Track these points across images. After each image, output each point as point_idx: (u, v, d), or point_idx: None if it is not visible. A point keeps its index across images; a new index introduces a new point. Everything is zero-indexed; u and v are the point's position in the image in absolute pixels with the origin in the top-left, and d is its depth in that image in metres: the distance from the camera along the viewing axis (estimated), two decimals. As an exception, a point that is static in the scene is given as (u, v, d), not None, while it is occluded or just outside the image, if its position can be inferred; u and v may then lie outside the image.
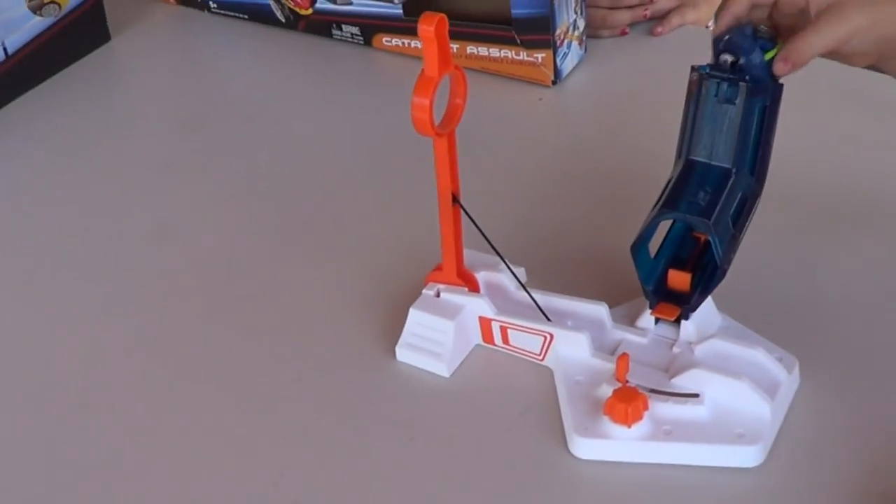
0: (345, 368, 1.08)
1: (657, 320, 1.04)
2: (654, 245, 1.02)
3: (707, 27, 1.60)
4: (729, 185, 1.00)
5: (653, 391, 0.98)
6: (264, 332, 1.13)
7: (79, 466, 1.02)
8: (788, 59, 0.98)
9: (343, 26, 1.54)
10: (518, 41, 1.41)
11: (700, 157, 1.01)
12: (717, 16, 1.01)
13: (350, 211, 1.27)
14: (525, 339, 1.05)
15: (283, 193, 1.31)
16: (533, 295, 1.05)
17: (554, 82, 1.42)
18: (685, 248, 1.04)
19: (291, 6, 1.57)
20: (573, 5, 1.40)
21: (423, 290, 1.08)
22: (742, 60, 0.99)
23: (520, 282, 1.07)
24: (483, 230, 1.05)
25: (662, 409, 0.98)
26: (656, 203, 1.00)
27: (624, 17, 1.51)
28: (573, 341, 1.03)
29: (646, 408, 0.97)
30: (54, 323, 1.17)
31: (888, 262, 1.14)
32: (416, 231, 1.16)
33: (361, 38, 1.54)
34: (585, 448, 0.97)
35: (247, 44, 1.61)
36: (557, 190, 1.27)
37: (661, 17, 1.53)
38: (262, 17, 1.61)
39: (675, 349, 1.02)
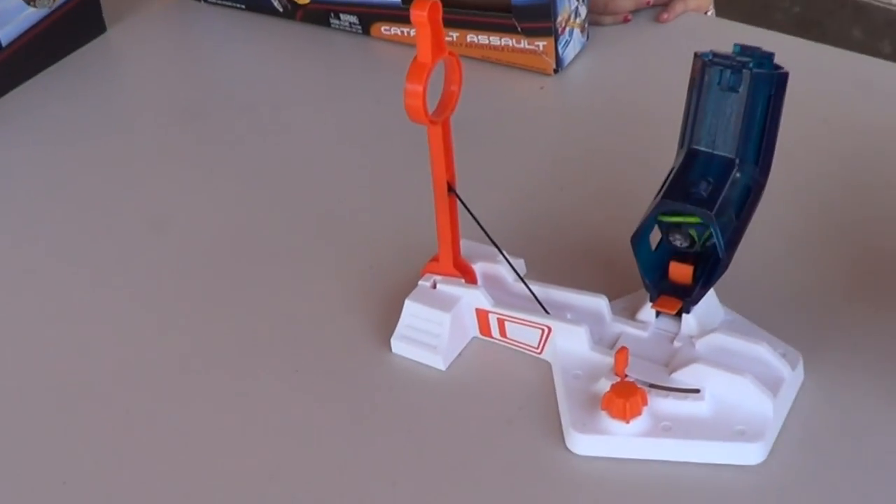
0: (340, 361, 1.06)
1: (658, 314, 1.02)
2: (655, 237, 1.00)
3: (707, 13, 1.59)
4: (732, 176, 0.97)
5: (652, 386, 0.96)
6: (260, 323, 1.12)
7: (72, 458, 1.00)
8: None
9: (341, 15, 1.52)
10: (519, 29, 1.39)
11: (703, 146, 0.99)
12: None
13: (347, 200, 1.25)
14: (523, 332, 1.03)
15: (280, 183, 1.30)
16: (531, 287, 1.03)
17: (556, 70, 1.40)
18: (687, 239, 1.02)
19: (288, -5, 1.56)
20: (575, -8, 1.38)
21: (419, 282, 1.06)
22: None
23: (518, 274, 1.05)
24: (481, 220, 1.03)
25: (662, 404, 0.96)
26: (657, 193, 0.98)
27: (626, 3, 1.50)
28: (572, 334, 1.01)
29: (645, 403, 0.94)
30: (49, 314, 1.15)
31: (894, 255, 1.12)
32: (414, 221, 1.14)
33: (360, 27, 1.52)
34: (583, 444, 0.95)
35: (244, 34, 1.59)
36: (558, 180, 1.25)
37: (664, 4, 1.51)
38: (259, 6, 1.59)
39: (676, 343, 1.00)
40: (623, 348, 0.97)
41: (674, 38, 1.46)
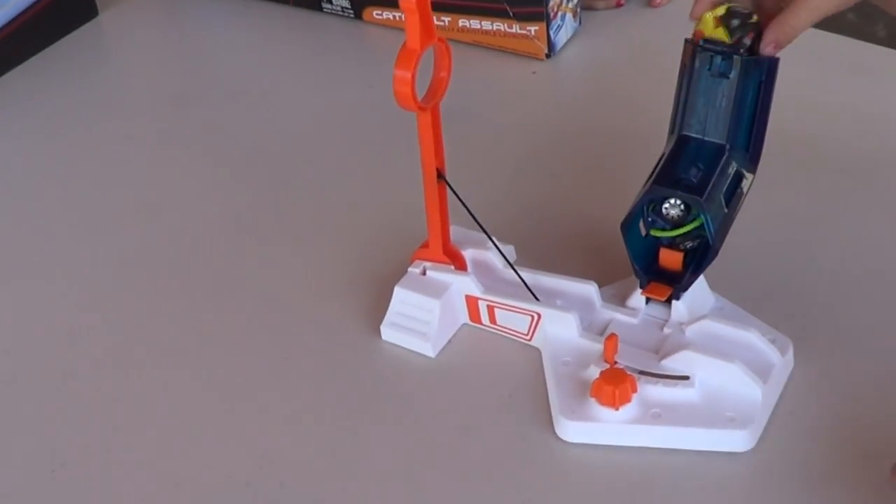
0: (329, 348, 1.06)
1: (648, 300, 1.01)
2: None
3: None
4: (722, 162, 0.97)
5: (642, 373, 0.96)
6: (250, 310, 1.11)
7: (61, 445, 1.00)
8: (775, 40, 0.96)
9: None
10: (511, 14, 1.38)
11: (693, 132, 0.99)
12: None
13: (338, 186, 1.25)
14: (513, 319, 1.03)
15: (271, 169, 1.29)
16: (521, 273, 1.03)
17: (548, 55, 1.40)
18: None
19: (281, -20, 1.55)
20: (567, -23, 1.38)
21: (409, 268, 1.06)
22: None
23: (507, 260, 1.05)
24: (471, 206, 1.03)
25: (651, 391, 0.95)
26: (647, 180, 0.98)
27: None
28: (561, 321, 1.00)
29: (634, 390, 0.94)
30: (39, 299, 1.15)
31: (887, 242, 1.12)
32: (404, 207, 1.13)
33: (351, 11, 1.51)
34: (572, 431, 0.95)
35: (235, 18, 1.58)
36: (550, 165, 1.25)
37: (657, -11, 1.50)
38: (252, -10, 1.59)
39: (666, 330, 1.00)
40: (612, 335, 0.96)
41: (666, 22, 1.45)
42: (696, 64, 0.98)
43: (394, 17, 1.48)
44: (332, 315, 1.08)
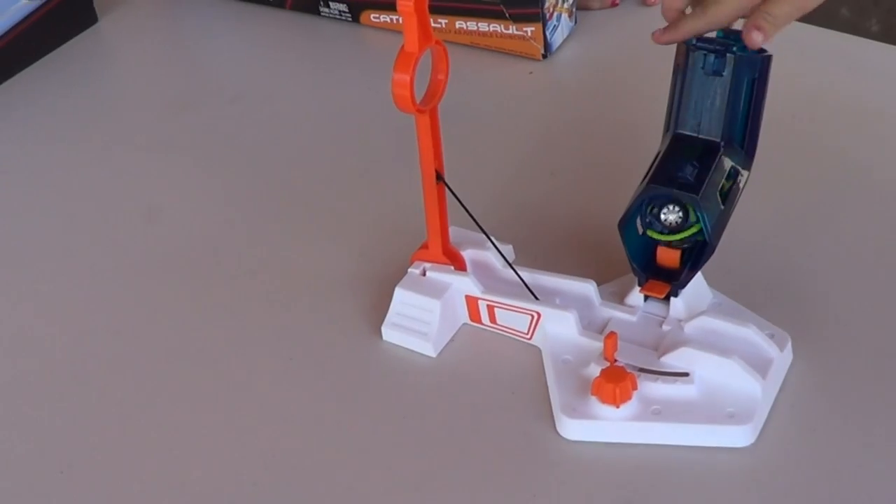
0: (332, 348, 1.06)
1: (646, 298, 1.02)
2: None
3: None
4: (717, 159, 0.98)
5: (641, 370, 0.97)
6: (252, 311, 1.12)
7: (67, 447, 1.01)
8: (756, 26, 0.95)
9: (330, 3, 1.53)
10: (507, 15, 1.39)
11: (687, 130, 1.00)
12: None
13: (338, 188, 1.26)
14: (512, 318, 1.03)
15: (270, 172, 1.30)
16: (520, 273, 1.04)
17: (544, 56, 1.41)
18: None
19: (278, -17, 1.56)
20: (562, -23, 1.38)
21: (409, 269, 1.06)
22: None
23: (506, 260, 1.05)
24: (470, 206, 1.03)
25: (651, 388, 0.96)
26: (643, 179, 0.98)
27: None
28: (561, 320, 1.01)
29: (634, 387, 0.95)
30: (40, 305, 1.16)
31: (883, 237, 1.13)
32: (404, 208, 1.14)
33: (349, 15, 1.52)
34: (573, 429, 0.96)
35: (234, 23, 1.59)
36: (548, 165, 1.25)
37: (653, -12, 1.51)
38: (249, -5, 1.60)
39: (665, 327, 1.01)
40: (612, 333, 0.97)
41: (661, 21, 1.44)
42: (690, 62, 0.98)
43: (391, 20, 1.48)
44: (334, 316, 1.09)
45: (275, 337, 1.09)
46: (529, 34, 1.39)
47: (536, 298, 1.03)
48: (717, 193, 0.98)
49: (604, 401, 0.95)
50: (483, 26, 1.42)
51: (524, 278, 1.04)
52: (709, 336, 0.98)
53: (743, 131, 0.99)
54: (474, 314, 1.05)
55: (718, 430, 0.94)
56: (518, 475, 0.95)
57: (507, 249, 1.09)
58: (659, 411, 0.95)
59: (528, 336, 1.03)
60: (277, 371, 1.05)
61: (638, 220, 0.99)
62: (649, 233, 0.99)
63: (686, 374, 0.96)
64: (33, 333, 1.13)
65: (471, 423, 0.99)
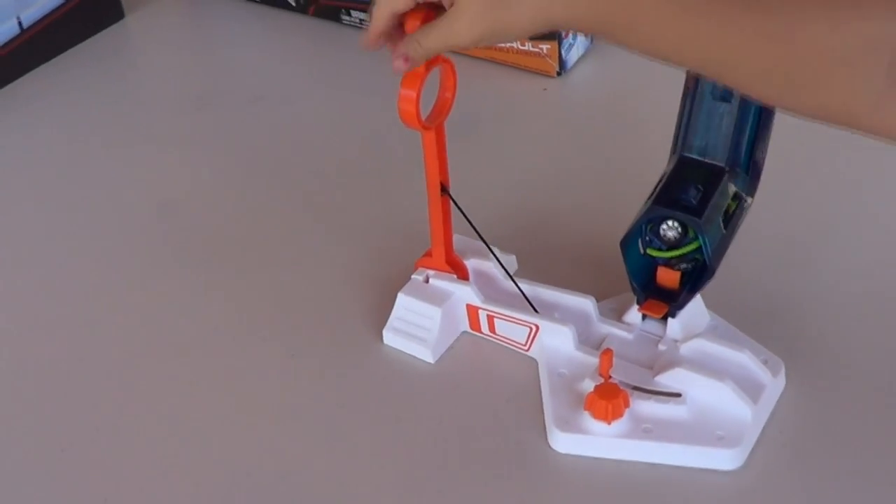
0: (333, 349, 1.08)
1: (644, 316, 1.03)
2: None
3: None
4: (721, 184, 0.99)
5: (635, 388, 0.98)
6: (259, 307, 1.14)
7: (70, 430, 1.03)
8: (404, 55, 0.93)
9: (352, 12, 1.55)
10: (525, 32, 1.40)
11: (694, 153, 1.01)
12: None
13: (348, 192, 1.28)
14: (511, 329, 1.05)
15: (284, 173, 1.32)
16: (521, 285, 1.05)
17: (559, 73, 1.42)
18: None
19: (302, -10, 1.58)
20: (582, -3, 1.39)
21: (412, 276, 1.08)
22: None
23: (507, 272, 1.07)
24: (477, 218, 1.05)
25: (644, 406, 0.97)
26: (647, 199, 1.00)
27: None
28: (558, 334, 1.02)
29: (627, 405, 0.96)
30: (55, 293, 1.18)
31: (879, 265, 1.14)
32: (412, 215, 1.16)
33: (369, 24, 1.53)
34: (564, 442, 0.97)
35: (257, 26, 1.62)
36: (556, 180, 1.27)
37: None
38: (274, 0, 1.61)
39: (661, 346, 1.02)
40: (608, 350, 0.98)
41: None
42: (699, 87, 0.99)
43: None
44: (337, 316, 1.11)
45: (279, 334, 1.11)
46: (545, 51, 1.41)
47: (536, 311, 1.04)
48: (720, 218, 0.99)
49: (596, 416, 0.96)
50: (501, 41, 1.43)
51: (525, 291, 1.05)
52: (703, 358, 0.99)
53: (748, 157, 1.00)
54: (474, 323, 1.07)
55: (707, 451, 0.95)
56: (507, 482, 0.96)
57: (511, 260, 1.10)
58: (650, 430, 0.96)
59: (526, 348, 1.05)
60: (279, 367, 1.07)
61: (640, 241, 1.00)
62: (649, 251, 1.00)
63: (678, 395, 0.97)
64: (46, 317, 1.15)
65: (465, 429, 1.00)
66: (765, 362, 1.00)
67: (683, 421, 0.97)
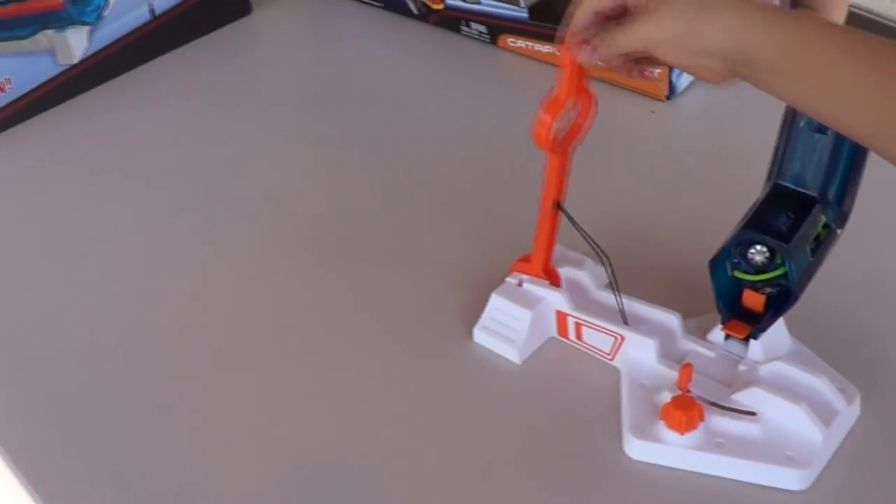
0: (425, 343, 1.13)
1: (727, 336, 1.06)
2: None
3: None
4: (812, 214, 1.01)
5: (712, 404, 1.01)
6: (358, 296, 1.19)
7: (165, 399, 1.10)
8: (595, 47, 0.95)
9: (471, 23, 1.59)
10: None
11: (788, 182, 1.03)
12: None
13: (453, 195, 1.32)
14: (597, 338, 1.08)
15: (391, 172, 1.37)
16: (618, 297, 1.09)
17: (668, 97, 1.45)
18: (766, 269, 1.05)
19: (424, 0, 1.62)
20: (696, 25, 1.42)
21: (507, 279, 1.12)
22: None
23: (613, 281, 1.09)
24: (572, 231, 1.08)
25: (718, 422, 1.00)
26: (739, 223, 1.03)
27: None
28: (642, 346, 1.06)
29: (701, 418, 0.99)
30: (166, 265, 1.25)
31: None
32: (510, 220, 1.21)
33: (488, 37, 1.58)
34: (638, 449, 1.00)
35: (379, 31, 1.67)
36: (654, 201, 1.31)
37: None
38: (397, 7, 1.67)
39: (741, 366, 1.05)
40: (688, 364, 1.02)
41: None
42: (797, 118, 1.02)
43: (526, 46, 1.54)
44: (433, 310, 1.16)
45: (376, 323, 1.16)
46: (656, 75, 1.44)
47: (626, 323, 1.08)
48: (808, 246, 1.01)
49: (671, 426, 0.99)
50: (614, 62, 1.47)
51: (614, 300, 1.09)
52: (781, 380, 1.02)
53: (841, 190, 1.03)
54: (562, 329, 1.10)
55: (776, 470, 0.98)
56: (581, 484, 1.00)
57: (601, 273, 1.13)
58: (722, 444, 0.99)
59: (611, 357, 1.08)
60: (374, 355, 1.12)
61: (728, 263, 1.03)
62: (736, 273, 1.03)
63: (753, 414, 1.00)
64: (163, 292, 1.22)
65: (544, 429, 1.04)
66: (841, 390, 1.02)
67: (755, 439, 0.99)
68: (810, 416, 0.99)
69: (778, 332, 1.05)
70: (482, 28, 1.58)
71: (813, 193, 1.02)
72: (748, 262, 1.02)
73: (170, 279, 1.23)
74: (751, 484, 0.98)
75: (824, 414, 1.00)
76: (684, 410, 0.99)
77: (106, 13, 1.52)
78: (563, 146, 1.03)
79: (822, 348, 1.07)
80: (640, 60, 0.96)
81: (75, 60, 1.51)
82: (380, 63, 1.61)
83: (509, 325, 1.09)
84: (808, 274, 1.02)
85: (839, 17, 1.62)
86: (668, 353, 1.06)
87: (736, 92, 1.36)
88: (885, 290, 1.18)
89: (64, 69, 1.51)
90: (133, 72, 1.57)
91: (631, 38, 0.91)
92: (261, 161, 1.41)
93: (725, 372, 1.05)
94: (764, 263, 1.02)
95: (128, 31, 1.56)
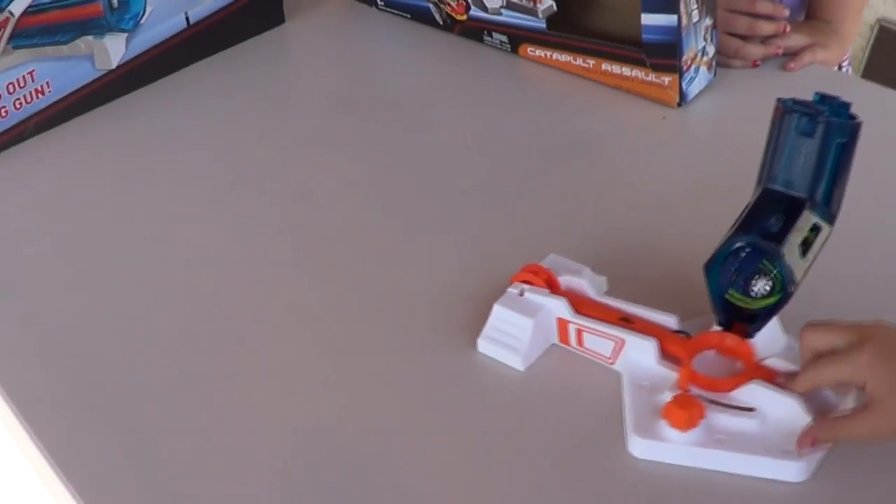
0: (431, 353, 1.16)
1: (724, 336, 1.09)
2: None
3: (841, 67, 1.65)
4: (802, 215, 1.05)
5: (711, 402, 1.04)
6: (366, 301, 1.24)
7: (181, 378, 1.16)
8: (815, 438, 1.01)
9: (493, 33, 1.64)
10: (647, 63, 1.48)
11: (777, 185, 1.07)
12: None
13: (466, 204, 1.37)
14: (598, 343, 1.11)
15: (408, 177, 1.43)
16: (609, 302, 1.13)
17: (679, 104, 1.48)
18: (759, 270, 1.09)
19: (449, 11, 1.67)
20: (702, 33, 1.46)
21: (508, 289, 1.15)
22: None
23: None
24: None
25: (718, 418, 1.03)
26: (732, 226, 1.06)
27: (756, 51, 1.57)
28: (642, 348, 1.09)
29: (702, 416, 1.02)
30: (192, 260, 1.31)
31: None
32: (517, 231, 1.25)
33: (509, 46, 1.63)
34: (642, 447, 1.04)
35: (406, 40, 1.73)
36: (662, 206, 1.34)
37: (792, 54, 1.58)
38: (423, 17, 1.72)
39: (738, 364, 1.07)
40: (687, 364, 1.05)
41: (797, 86, 1.48)
42: (784, 123, 1.06)
43: (545, 55, 1.58)
44: (438, 321, 1.19)
45: (382, 327, 1.20)
46: (666, 83, 1.47)
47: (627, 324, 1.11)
48: (799, 246, 1.04)
49: (673, 424, 1.02)
50: (626, 71, 1.51)
51: (612, 305, 1.13)
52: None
53: (828, 190, 1.06)
54: (563, 336, 1.14)
55: (775, 463, 1.01)
56: (585, 483, 1.03)
57: (601, 281, 1.17)
58: (722, 440, 1.02)
59: (612, 361, 1.11)
60: (379, 359, 1.17)
61: (722, 266, 1.07)
62: (730, 291, 1.06)
63: (752, 410, 1.03)
64: (183, 283, 1.28)
65: (548, 432, 1.07)
66: (836, 384, 1.05)
67: (754, 434, 1.03)
68: (806, 410, 1.02)
69: (772, 330, 1.08)
70: (503, 38, 1.63)
71: (802, 195, 1.05)
72: (747, 285, 1.05)
73: (194, 271, 1.29)
74: (752, 477, 1.01)
75: (820, 408, 1.03)
76: (685, 408, 1.02)
77: (143, 21, 1.58)
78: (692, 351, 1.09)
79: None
80: None
81: (113, 66, 1.58)
82: (406, 70, 1.68)
83: (512, 333, 1.13)
84: (800, 273, 1.05)
85: (852, 31, 1.66)
86: (667, 355, 1.10)
87: (745, 99, 1.40)
88: (875, 286, 1.20)
89: (101, 74, 1.57)
90: (168, 77, 1.64)
91: (859, 436, 0.99)
92: (287, 163, 1.47)
93: (723, 370, 1.08)
94: (765, 294, 1.05)
95: (164, 39, 1.62)
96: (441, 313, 1.20)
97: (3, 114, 1.48)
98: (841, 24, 1.67)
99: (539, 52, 1.60)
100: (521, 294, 1.14)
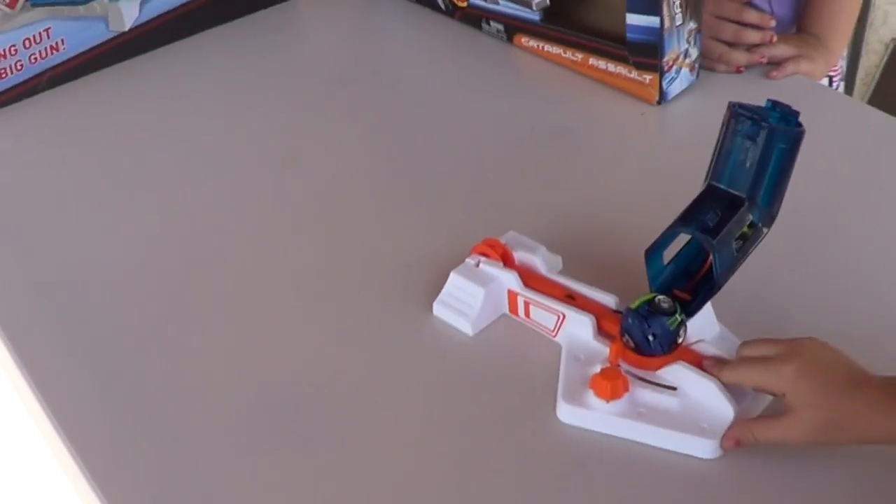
0: (389, 313, 1.25)
1: (660, 319, 1.16)
2: (671, 252, 1.16)
3: (832, 81, 1.71)
4: (739, 213, 1.12)
5: (637, 378, 1.12)
6: (337, 262, 1.33)
7: (165, 319, 1.25)
8: (736, 439, 1.08)
9: (491, 22, 1.71)
10: (631, 61, 1.55)
11: (721, 183, 1.13)
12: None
13: (448, 179, 1.45)
14: (543, 316, 1.19)
15: (395, 150, 1.52)
16: (557, 279, 1.21)
17: (658, 102, 1.55)
18: (696, 261, 1.16)
19: (451, -3, 1.76)
20: (685, 36, 1.53)
21: (466, 259, 1.23)
22: None
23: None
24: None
25: (642, 394, 1.11)
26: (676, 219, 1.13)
27: (741, 58, 1.62)
28: (581, 323, 1.17)
29: (626, 389, 1.10)
30: (189, 216, 1.40)
31: (882, 288, 1.27)
32: (488, 207, 1.34)
33: (505, 35, 1.70)
34: (568, 413, 1.11)
35: (410, 21, 1.80)
36: (629, 197, 1.40)
37: (777, 63, 1.63)
38: (427, 2, 1.80)
39: (667, 344, 1.15)
40: (618, 340, 1.13)
41: (778, 94, 1.49)
42: (731, 125, 1.13)
43: (538, 45, 1.66)
44: (400, 285, 1.27)
45: (350, 286, 1.29)
46: (647, 81, 1.54)
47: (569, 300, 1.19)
48: (733, 242, 1.12)
49: (598, 394, 1.10)
50: (611, 66, 1.58)
51: (560, 282, 1.20)
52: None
53: (769, 192, 1.12)
54: (513, 307, 1.21)
55: (690, 439, 1.09)
56: (516, 441, 1.11)
57: (556, 260, 1.24)
58: (643, 413, 1.10)
59: (554, 334, 1.19)
60: (342, 320, 1.25)
61: (666, 251, 1.15)
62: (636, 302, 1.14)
63: (674, 389, 1.11)
64: (179, 234, 1.38)
65: (489, 393, 1.15)
66: (757, 372, 1.12)
67: (674, 411, 1.10)
68: (723, 392, 1.09)
69: (705, 317, 1.16)
70: (500, 26, 1.71)
71: (742, 195, 1.12)
72: (653, 305, 1.12)
73: (190, 227, 1.38)
74: (667, 451, 1.09)
75: (737, 392, 1.10)
76: (610, 380, 1.10)
77: (157, -14, 1.66)
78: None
79: (745, 333, 1.15)
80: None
81: (125, 28, 1.66)
82: (407, 51, 1.76)
83: (465, 300, 1.20)
84: (731, 267, 1.12)
85: (841, 45, 1.72)
86: (605, 332, 1.17)
87: (725, 103, 1.46)
88: (804, 278, 1.28)
89: (114, 35, 1.65)
90: (178, 43, 1.72)
91: (772, 439, 1.07)
92: (282, 129, 1.55)
93: (655, 350, 1.15)
94: (664, 310, 1.12)
95: (177, 5, 1.70)
96: (405, 277, 1.28)
97: (19, 67, 1.57)
98: (829, 38, 1.71)
99: (532, 43, 1.67)
100: (477, 265, 1.22)
